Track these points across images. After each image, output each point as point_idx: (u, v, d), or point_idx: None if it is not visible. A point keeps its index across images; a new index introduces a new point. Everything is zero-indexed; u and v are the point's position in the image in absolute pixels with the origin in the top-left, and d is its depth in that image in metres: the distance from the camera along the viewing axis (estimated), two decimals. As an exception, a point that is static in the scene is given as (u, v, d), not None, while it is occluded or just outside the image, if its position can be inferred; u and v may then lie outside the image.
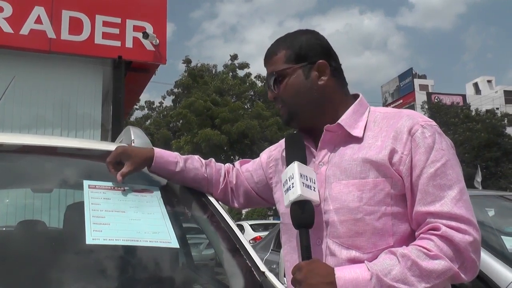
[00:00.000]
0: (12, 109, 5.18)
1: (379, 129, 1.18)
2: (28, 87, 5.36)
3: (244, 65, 27.29)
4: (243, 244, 1.39)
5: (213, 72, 28.14)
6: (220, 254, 1.45)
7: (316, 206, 1.14)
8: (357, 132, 1.20)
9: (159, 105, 30.48)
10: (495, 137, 25.55)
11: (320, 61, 1.23)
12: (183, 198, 1.56)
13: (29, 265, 1.33)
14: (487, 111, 29.72)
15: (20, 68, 5.32)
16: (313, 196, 1.13)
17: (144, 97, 33.01)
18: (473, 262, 1.06)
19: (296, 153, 1.21)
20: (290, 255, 1.26)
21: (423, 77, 44.63)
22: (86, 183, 1.38)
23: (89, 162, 1.75)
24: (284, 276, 1.38)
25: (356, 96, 1.28)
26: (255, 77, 26.81)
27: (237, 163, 1.54)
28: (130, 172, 1.39)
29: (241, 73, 27.32)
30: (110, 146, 1.64)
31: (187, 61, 27.44)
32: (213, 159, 1.53)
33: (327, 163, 1.20)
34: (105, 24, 5.72)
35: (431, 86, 43.49)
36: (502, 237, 2.51)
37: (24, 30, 5.35)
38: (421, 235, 1.08)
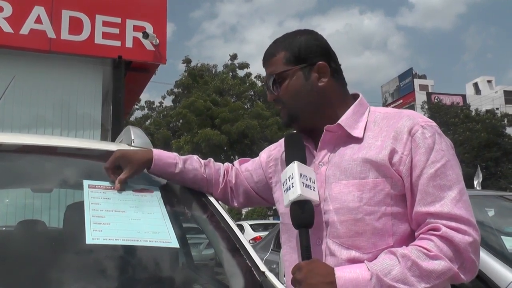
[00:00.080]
0: (12, 109, 5.18)
1: (379, 129, 1.18)
2: (28, 87, 5.36)
3: (244, 65, 27.31)
4: (243, 244, 1.39)
5: (213, 72, 28.15)
6: (220, 254, 1.45)
7: (316, 206, 1.14)
8: (357, 132, 1.19)
9: (159, 105, 30.50)
10: (495, 137, 25.57)
11: (320, 62, 1.22)
12: (183, 198, 1.56)
13: (29, 265, 1.33)
14: (487, 111, 29.72)
15: (20, 68, 5.32)
16: (313, 196, 1.13)
17: (144, 97, 33.05)
18: (473, 262, 1.06)
19: (296, 153, 1.21)
20: (289, 255, 1.26)
21: (423, 77, 44.63)
22: (86, 182, 1.38)
23: (89, 162, 1.75)
24: (284, 276, 1.37)
25: (355, 96, 1.28)
26: (255, 77, 26.83)
27: (236, 163, 1.54)
28: (129, 178, 1.40)
29: (241, 73, 27.35)
30: (110, 146, 1.64)
31: (187, 61, 27.46)
32: (212, 159, 1.53)
33: (327, 163, 1.20)
34: (105, 24, 5.72)
35: (431, 86, 43.49)
36: (502, 237, 2.51)
37: (24, 30, 5.35)
38: (421, 236, 1.08)
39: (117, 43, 5.74)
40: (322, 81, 1.23)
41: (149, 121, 29.12)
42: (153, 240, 1.27)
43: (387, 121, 1.19)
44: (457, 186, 1.09)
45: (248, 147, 23.66)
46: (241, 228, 11.77)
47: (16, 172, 1.67)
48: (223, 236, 1.45)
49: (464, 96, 41.17)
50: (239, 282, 1.34)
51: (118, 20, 5.79)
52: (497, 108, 34.96)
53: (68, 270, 1.33)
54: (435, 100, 35.44)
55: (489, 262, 2.10)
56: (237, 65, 27.42)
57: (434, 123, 1.17)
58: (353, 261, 1.11)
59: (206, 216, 1.51)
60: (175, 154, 1.48)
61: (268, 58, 1.28)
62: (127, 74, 6.04)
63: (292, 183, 1.13)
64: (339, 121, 1.20)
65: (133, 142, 1.69)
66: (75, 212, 1.50)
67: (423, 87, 42.03)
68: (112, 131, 5.75)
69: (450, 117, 27.60)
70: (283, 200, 1.17)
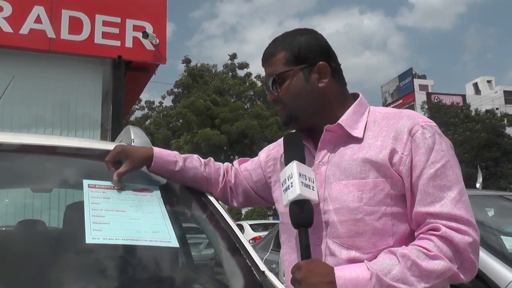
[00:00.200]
0: (11, 108, 5.18)
1: (379, 129, 1.18)
2: (27, 86, 5.36)
3: (243, 65, 27.30)
4: (243, 244, 1.39)
5: (213, 72, 28.14)
6: (220, 254, 1.45)
7: (315, 206, 1.14)
8: (357, 132, 1.19)
9: (158, 105, 30.50)
10: (495, 137, 25.58)
11: (320, 62, 1.22)
12: (183, 197, 1.56)
13: (29, 265, 1.33)
14: (486, 111, 29.74)
15: (19, 68, 5.32)
16: (312, 195, 1.13)
17: (144, 97, 33.05)
18: (472, 262, 1.06)
19: (295, 152, 1.21)
20: (289, 255, 1.26)
21: (423, 77, 44.63)
22: (85, 182, 1.38)
23: (88, 161, 1.75)
24: (284, 276, 1.37)
25: (355, 96, 1.28)
26: (255, 77, 26.82)
27: (235, 162, 1.54)
28: (128, 172, 1.39)
29: (241, 73, 27.35)
30: (110, 146, 1.64)
31: (187, 61, 27.45)
32: (212, 159, 1.53)
33: (327, 163, 1.20)
34: (105, 23, 5.72)
35: (431, 86, 43.50)
36: (502, 237, 2.51)
37: (24, 30, 5.35)
38: (421, 235, 1.08)
39: (117, 43, 5.74)
40: (322, 81, 1.22)
41: (149, 121, 29.13)
42: (153, 240, 1.27)
43: (387, 121, 1.19)
44: (457, 187, 1.09)
45: (248, 147, 23.65)
46: (241, 228, 11.76)
47: (16, 171, 1.67)
48: (223, 236, 1.45)
49: (464, 96, 41.18)
50: (239, 281, 1.34)
51: (118, 20, 5.78)
52: (497, 108, 34.99)
53: (68, 270, 1.33)
54: (435, 100, 35.45)
55: (489, 262, 2.10)
56: (236, 65, 27.41)
57: (434, 123, 1.17)
58: (353, 261, 1.11)
59: (206, 216, 1.51)
60: (175, 152, 1.48)
61: (267, 58, 1.27)
62: (127, 74, 6.03)
63: (291, 183, 1.13)
64: (339, 121, 1.20)
65: (133, 141, 1.70)
66: (75, 212, 1.50)
67: (423, 87, 42.03)
68: (112, 131, 5.75)
69: (450, 117, 27.61)
70: (282, 199, 1.17)
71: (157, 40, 5.83)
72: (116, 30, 5.75)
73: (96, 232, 1.22)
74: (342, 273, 1.05)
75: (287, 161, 1.20)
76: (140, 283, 1.39)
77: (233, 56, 27.67)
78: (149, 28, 5.83)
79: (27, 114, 5.39)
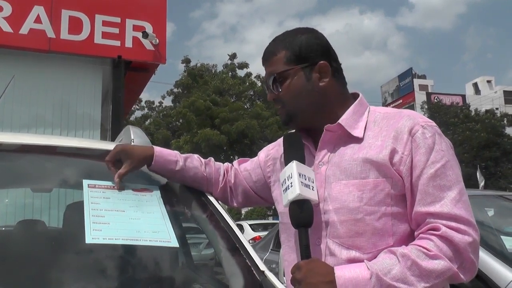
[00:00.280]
0: (11, 108, 5.18)
1: (379, 129, 1.18)
2: (27, 86, 5.36)
3: (243, 65, 27.28)
4: (243, 244, 1.39)
5: (213, 72, 28.13)
6: (219, 254, 1.45)
7: (315, 205, 1.14)
8: (357, 132, 1.19)
9: (158, 105, 30.49)
10: (495, 137, 25.58)
11: (321, 62, 1.22)
12: (183, 197, 1.56)
13: (29, 264, 1.33)
14: (486, 111, 29.72)
15: (19, 68, 5.31)
16: (311, 195, 1.13)
17: (144, 97, 33.05)
18: (472, 262, 1.06)
19: (295, 152, 1.21)
20: (288, 255, 1.26)
21: (423, 77, 44.64)
22: (85, 182, 1.38)
23: (88, 161, 1.75)
24: (284, 276, 1.37)
25: (355, 95, 1.28)
26: (255, 77, 26.81)
27: (235, 162, 1.54)
28: (129, 172, 1.39)
29: (241, 73, 27.34)
30: (110, 146, 1.64)
31: (186, 61, 27.43)
32: (212, 158, 1.53)
33: (327, 163, 1.20)
34: (105, 23, 5.71)
35: (431, 86, 43.51)
36: (502, 237, 2.51)
37: (24, 30, 5.35)
38: (421, 235, 1.08)
39: (117, 43, 5.74)
40: (323, 81, 1.22)
41: (148, 121, 29.11)
42: (153, 240, 1.27)
43: (387, 121, 1.19)
44: (457, 186, 1.09)
45: (247, 147, 23.64)
46: (241, 228, 11.77)
47: (16, 171, 1.67)
48: (222, 235, 1.45)
49: (463, 96, 41.18)
50: (238, 281, 1.34)
51: (117, 19, 5.78)
52: (497, 108, 34.98)
53: (68, 270, 1.33)
54: (435, 100, 35.44)
55: (489, 262, 2.10)
56: (236, 64, 27.40)
57: (434, 123, 1.17)
58: (353, 261, 1.11)
59: (206, 216, 1.51)
60: (176, 152, 1.47)
61: (268, 57, 1.27)
62: (126, 74, 6.03)
63: (291, 183, 1.13)
64: (339, 121, 1.20)
65: (133, 141, 1.70)
66: (75, 212, 1.50)
67: (422, 87, 42.04)
68: (112, 130, 5.74)
69: (449, 117, 27.61)
70: (282, 199, 1.17)
71: (157, 40, 5.83)
72: (116, 30, 5.75)
73: (96, 232, 1.21)
74: (342, 273, 1.05)
75: (286, 161, 1.20)
76: (140, 283, 1.39)
77: (233, 56, 27.66)
78: (149, 28, 5.83)
79: (27, 114, 5.39)
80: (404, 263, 1.03)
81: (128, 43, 5.77)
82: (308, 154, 1.24)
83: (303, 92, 1.22)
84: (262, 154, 1.46)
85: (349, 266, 1.07)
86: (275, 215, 20.66)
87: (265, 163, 1.42)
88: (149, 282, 1.40)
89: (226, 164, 1.54)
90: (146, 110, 30.32)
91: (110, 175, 1.40)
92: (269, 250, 5.43)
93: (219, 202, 1.54)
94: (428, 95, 38.72)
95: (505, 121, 28.03)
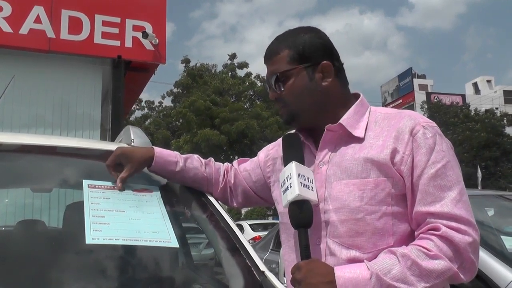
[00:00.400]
0: (11, 108, 5.18)
1: (380, 129, 1.18)
2: (27, 86, 5.36)
3: (243, 65, 27.27)
4: (243, 244, 1.39)
5: (213, 72, 28.12)
6: (219, 254, 1.45)
7: (315, 206, 1.14)
8: (358, 132, 1.19)
9: (158, 105, 30.48)
10: (495, 137, 25.59)
11: (324, 62, 1.21)
12: (183, 197, 1.56)
13: (29, 265, 1.33)
14: (486, 111, 29.72)
15: (19, 68, 5.31)
16: (311, 195, 1.13)
17: (144, 97, 33.03)
18: (472, 262, 1.06)
19: (294, 153, 1.21)
20: (288, 255, 1.26)
21: (423, 77, 44.66)
22: (85, 182, 1.38)
23: (88, 161, 1.75)
24: (284, 276, 1.37)
25: (356, 96, 1.28)
26: (254, 77, 26.80)
27: (235, 163, 1.54)
28: (130, 176, 1.39)
29: (241, 73, 27.33)
30: (110, 146, 1.64)
31: (186, 61, 27.41)
32: (212, 159, 1.53)
33: (328, 163, 1.20)
34: (105, 23, 5.71)
35: (431, 86, 43.54)
36: (502, 236, 2.51)
37: (24, 30, 5.35)
38: (421, 235, 1.08)
39: (117, 43, 5.74)
40: (326, 80, 1.22)
41: (148, 121, 29.10)
42: (153, 240, 1.27)
43: (388, 121, 1.19)
44: (457, 187, 1.09)
45: (247, 147, 23.64)
46: (241, 228, 11.77)
47: (16, 172, 1.67)
48: (222, 235, 1.45)
49: (463, 96, 41.19)
50: (238, 282, 1.34)
51: (117, 19, 5.78)
52: (497, 108, 34.98)
53: (68, 270, 1.33)
54: (435, 100, 35.45)
55: (489, 262, 2.10)
56: (236, 64, 27.39)
57: (434, 124, 1.17)
58: (353, 260, 1.11)
59: (206, 216, 1.51)
60: (176, 152, 1.47)
61: (271, 55, 1.26)
62: (126, 74, 6.03)
63: (290, 183, 1.13)
64: (340, 121, 1.20)
65: (133, 141, 1.69)
66: (75, 212, 1.50)
67: (422, 87, 42.05)
68: (112, 130, 5.74)
69: (449, 117, 27.62)
70: (282, 200, 1.17)
71: (157, 40, 5.83)
72: (115, 30, 5.75)
73: (96, 232, 1.21)
74: (342, 273, 1.05)
75: (286, 162, 1.20)
76: (140, 283, 1.39)
77: (233, 56, 27.65)
78: (149, 28, 5.82)
79: (27, 114, 5.38)
80: (404, 263, 1.03)
81: (128, 43, 5.77)
82: (309, 153, 1.24)
83: (306, 91, 1.22)
84: (262, 154, 1.46)
85: (349, 266, 1.07)
86: (275, 215, 20.66)
87: (264, 163, 1.42)
88: (149, 282, 1.40)
89: (226, 164, 1.54)
90: (146, 110, 30.31)
91: (110, 175, 1.41)
92: (269, 250, 5.43)
93: (219, 202, 1.54)
94: (428, 95, 38.72)
95: (505, 121, 28.03)
